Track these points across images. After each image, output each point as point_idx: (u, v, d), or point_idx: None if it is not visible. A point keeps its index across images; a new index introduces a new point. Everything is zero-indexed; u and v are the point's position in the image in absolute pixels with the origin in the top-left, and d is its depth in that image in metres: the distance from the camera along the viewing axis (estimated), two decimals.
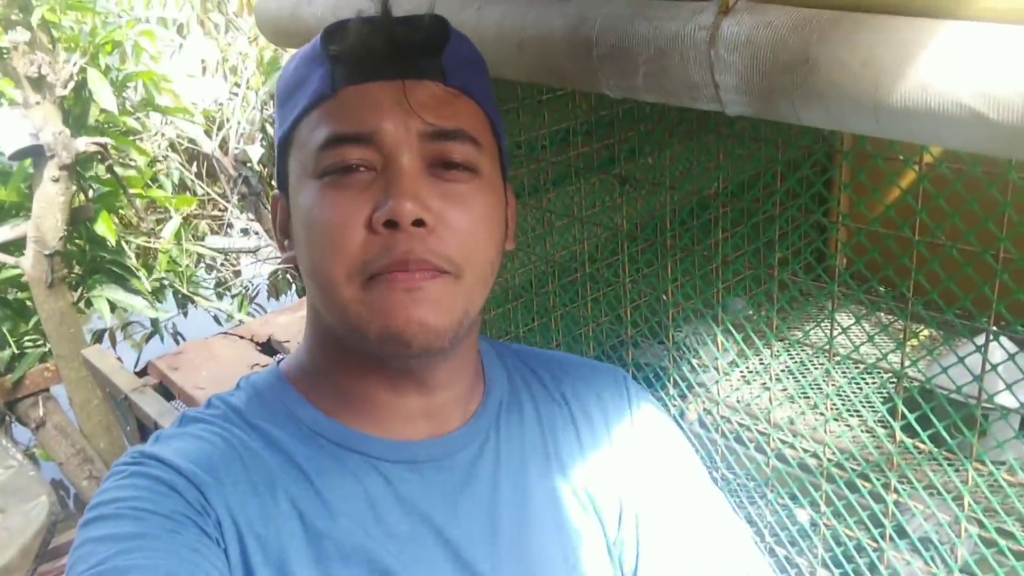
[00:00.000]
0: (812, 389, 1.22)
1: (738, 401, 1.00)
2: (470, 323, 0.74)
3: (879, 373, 1.39)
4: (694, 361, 1.02)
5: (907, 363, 0.80)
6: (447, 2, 1.01)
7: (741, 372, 0.98)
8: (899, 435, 0.85)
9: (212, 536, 0.67)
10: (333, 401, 0.77)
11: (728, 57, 0.76)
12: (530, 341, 1.32)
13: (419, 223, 0.68)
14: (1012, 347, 1.09)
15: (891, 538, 0.89)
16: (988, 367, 0.77)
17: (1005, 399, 0.81)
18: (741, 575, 0.81)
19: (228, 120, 6.29)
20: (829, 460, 0.92)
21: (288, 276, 6.77)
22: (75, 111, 4.16)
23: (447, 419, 0.79)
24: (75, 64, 3.97)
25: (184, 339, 5.49)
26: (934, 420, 0.83)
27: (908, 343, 0.89)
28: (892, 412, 0.84)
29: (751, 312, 1.09)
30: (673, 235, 0.99)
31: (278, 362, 0.83)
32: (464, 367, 0.80)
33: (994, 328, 0.75)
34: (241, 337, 3.02)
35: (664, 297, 1.02)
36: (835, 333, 0.86)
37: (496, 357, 0.87)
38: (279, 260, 6.22)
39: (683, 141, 1.08)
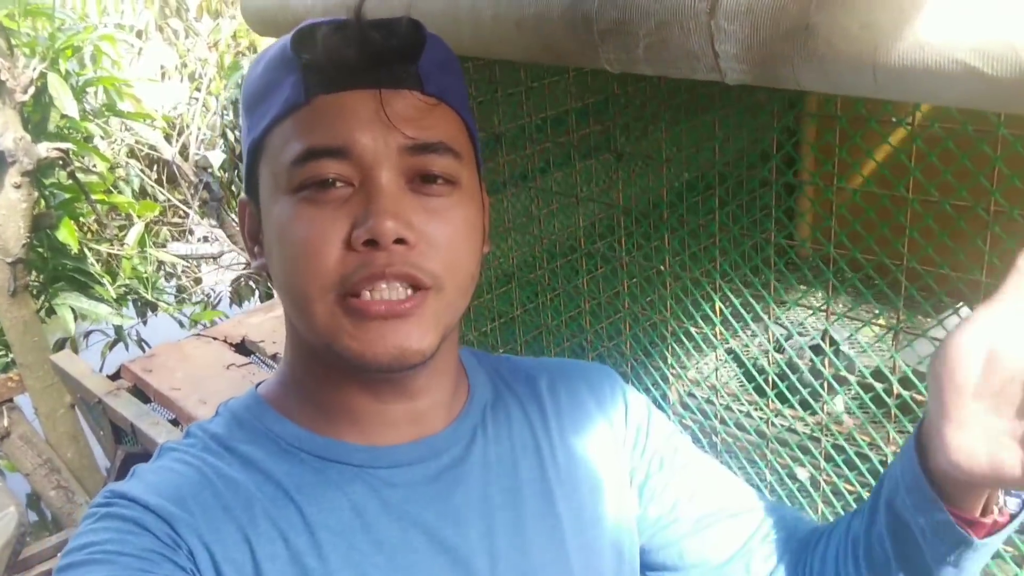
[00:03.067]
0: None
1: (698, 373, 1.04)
2: (450, 332, 0.74)
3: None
4: (684, 337, 1.06)
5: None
6: None
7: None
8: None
9: (186, 568, 0.65)
10: (312, 414, 0.76)
11: (728, 26, 0.79)
12: (525, 321, 1.35)
13: (400, 241, 0.66)
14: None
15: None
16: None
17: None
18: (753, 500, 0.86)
19: (188, 126, 6.24)
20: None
21: (251, 283, 6.73)
22: (35, 117, 4.12)
23: (431, 422, 0.77)
24: (35, 69, 3.93)
25: (149, 346, 5.43)
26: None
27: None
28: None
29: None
30: (671, 210, 1.03)
31: (256, 386, 0.81)
32: (446, 370, 0.79)
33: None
34: (214, 338, 3.00)
35: (661, 267, 1.05)
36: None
37: (477, 363, 0.87)
38: (248, 267, 6.17)
39: (677, 121, 1.12)
